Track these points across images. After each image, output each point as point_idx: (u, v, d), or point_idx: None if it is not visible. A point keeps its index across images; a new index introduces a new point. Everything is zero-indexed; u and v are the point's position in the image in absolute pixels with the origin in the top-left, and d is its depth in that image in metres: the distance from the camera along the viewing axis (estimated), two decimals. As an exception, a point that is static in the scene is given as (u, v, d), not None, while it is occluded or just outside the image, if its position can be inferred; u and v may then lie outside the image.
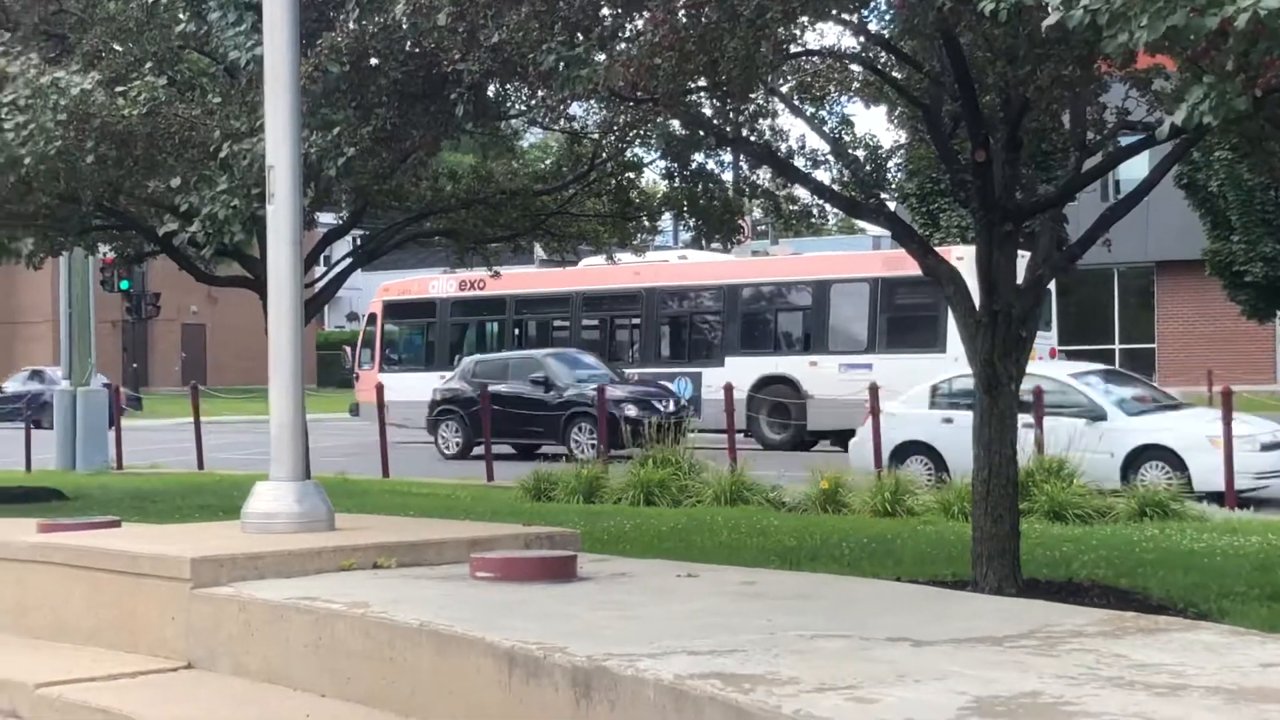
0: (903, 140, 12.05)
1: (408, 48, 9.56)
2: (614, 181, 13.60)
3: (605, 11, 8.90)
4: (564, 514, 15.62)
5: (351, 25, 9.75)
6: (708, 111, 10.45)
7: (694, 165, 12.77)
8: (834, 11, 8.79)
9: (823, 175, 11.62)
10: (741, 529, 14.04)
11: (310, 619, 6.17)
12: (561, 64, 8.79)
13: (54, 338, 40.85)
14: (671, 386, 28.65)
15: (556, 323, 32.58)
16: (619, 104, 9.66)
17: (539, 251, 17.38)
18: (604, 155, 13.07)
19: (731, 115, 9.83)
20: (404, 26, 9.19)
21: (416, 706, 5.65)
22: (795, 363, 29.14)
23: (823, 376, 28.26)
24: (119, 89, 10.80)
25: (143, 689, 6.37)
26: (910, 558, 12.03)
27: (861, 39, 9.74)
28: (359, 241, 15.21)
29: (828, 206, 12.54)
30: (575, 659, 4.97)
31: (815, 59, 11.01)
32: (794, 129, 12.18)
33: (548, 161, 13.44)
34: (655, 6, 8.05)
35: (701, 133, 10.48)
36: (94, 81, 10.67)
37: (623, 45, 8.76)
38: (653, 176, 14.11)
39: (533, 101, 10.69)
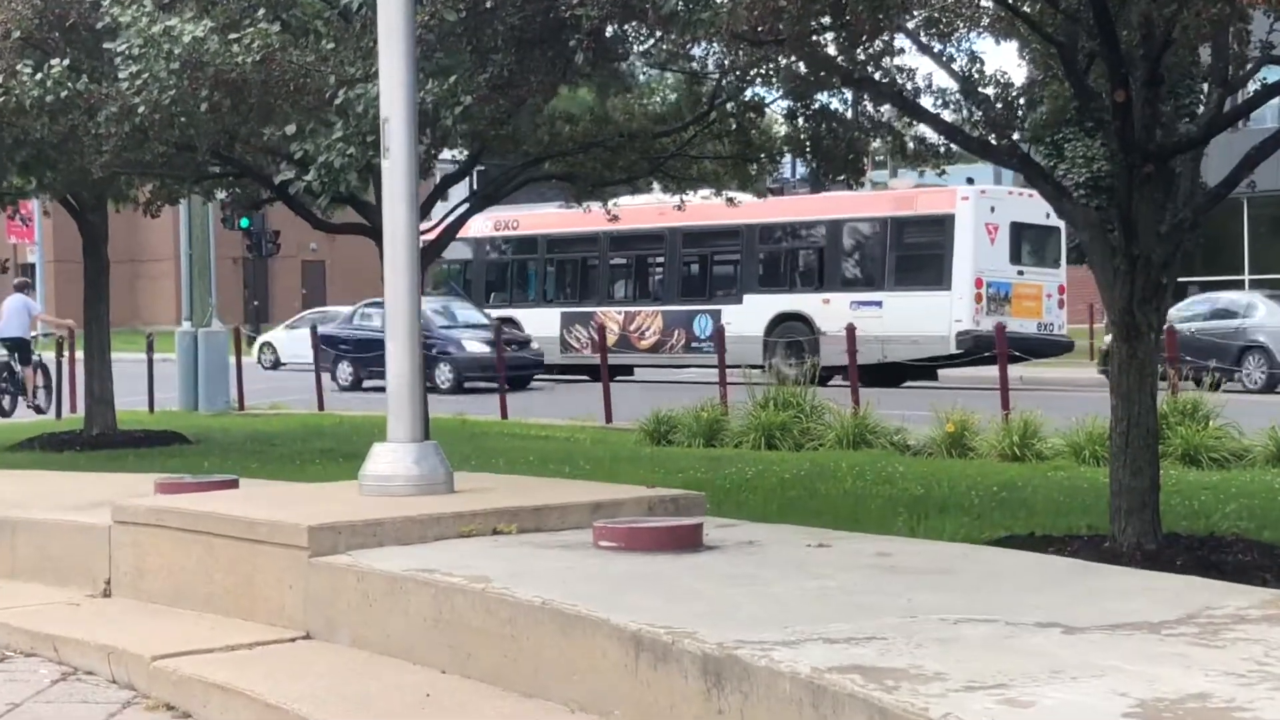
0: (1037, 77, 11.59)
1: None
2: (734, 122, 13.25)
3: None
4: (685, 460, 15.40)
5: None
6: (832, 50, 10.08)
7: (816, 105, 12.39)
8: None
9: (950, 115, 11.17)
10: (866, 475, 13.74)
11: (430, 593, 5.99)
12: (683, 6, 8.51)
13: (176, 277, 41.28)
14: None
15: (590, 261, 33.55)
16: (741, 45, 9.31)
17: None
18: (724, 96, 12.73)
19: (858, 55, 9.46)
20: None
21: (539, 687, 5.44)
22: (809, 300, 29.79)
23: (835, 314, 28.46)
24: (232, 36, 10.62)
25: (260, 662, 6.22)
26: (1043, 508, 11.67)
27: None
28: (475, 185, 15.00)
29: (954, 146, 12.13)
30: (705, 645, 4.73)
31: (944, -7, 10.61)
32: (921, 66, 11.93)
33: (670, 96, 13.10)
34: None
35: (825, 73, 10.13)
36: (206, 29, 10.49)
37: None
38: (774, 116, 13.72)
39: (651, 43, 10.38)
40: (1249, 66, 10.18)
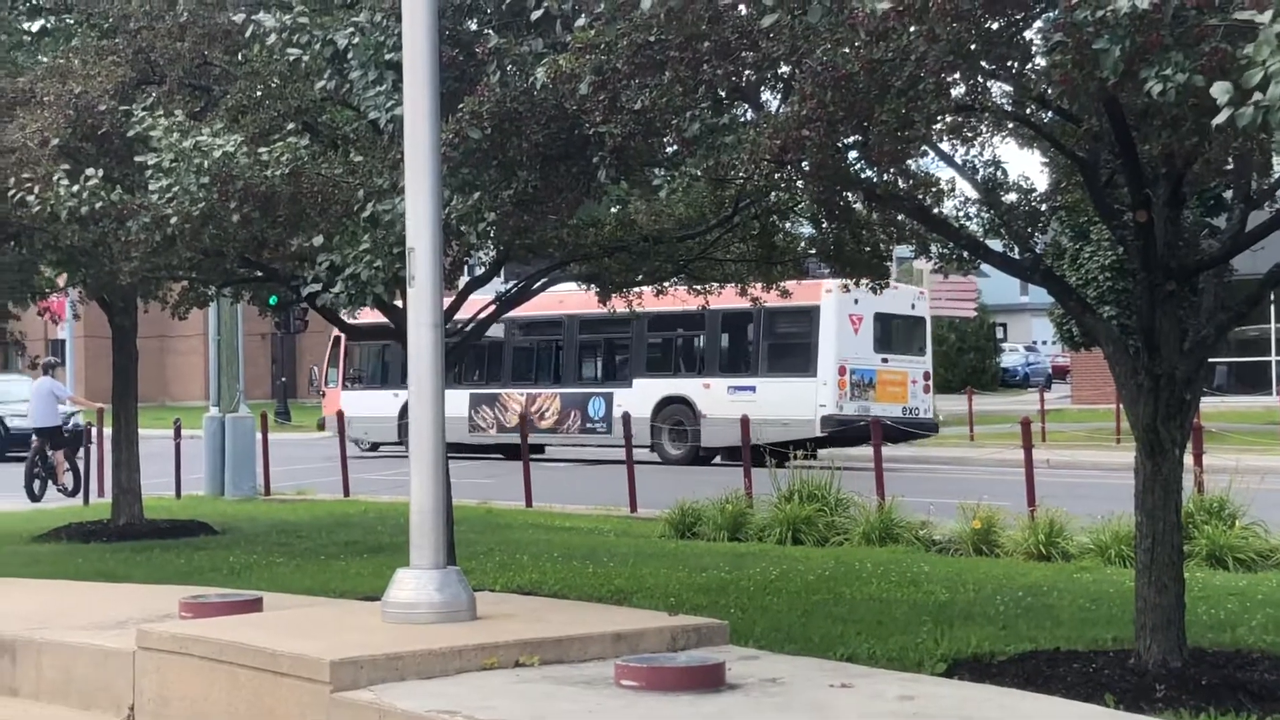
0: (1059, 184, 11.64)
1: (549, 111, 9.41)
2: (758, 225, 13.32)
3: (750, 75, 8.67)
4: (709, 556, 15.38)
5: (494, 82, 9.60)
6: (855, 166, 10.15)
7: (840, 210, 12.44)
8: (989, 67, 8.47)
9: (975, 226, 11.22)
10: (891, 577, 13.71)
11: (451, 737, 6.01)
12: (707, 131, 8.58)
13: (204, 352, 41.44)
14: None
15: (491, 346, 34.83)
16: (764, 161, 9.39)
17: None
18: (747, 200, 12.80)
19: (882, 177, 9.53)
20: (545, 89, 9.03)
21: (560, 841, 5.45)
22: (692, 384, 32.11)
23: (715, 398, 31.17)
24: (261, 149, 10.74)
25: (282, 803, 6.24)
26: (1069, 616, 11.62)
27: (1015, 96, 9.38)
28: (499, 290, 15.10)
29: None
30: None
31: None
32: (943, 173, 12.14)
33: (684, 196, 13.20)
34: (802, 79, 7.78)
35: (848, 191, 10.20)
36: (236, 144, 10.62)
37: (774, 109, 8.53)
38: (798, 217, 13.79)
39: (675, 160, 10.46)
40: (1274, 178, 10.22)
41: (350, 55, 9.89)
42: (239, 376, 25.63)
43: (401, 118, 9.25)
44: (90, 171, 10.87)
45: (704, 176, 10.71)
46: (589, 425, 33.19)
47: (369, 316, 16.94)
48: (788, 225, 13.84)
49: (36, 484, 25.72)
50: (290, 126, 11.12)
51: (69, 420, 28.04)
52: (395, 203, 10.07)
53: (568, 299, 22.77)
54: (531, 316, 30.52)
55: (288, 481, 26.74)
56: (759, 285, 14.81)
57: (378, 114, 10.08)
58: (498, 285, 14.45)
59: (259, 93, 12.03)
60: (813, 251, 13.65)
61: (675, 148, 10.11)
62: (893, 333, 32.22)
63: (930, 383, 33.33)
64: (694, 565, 14.49)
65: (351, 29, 10.01)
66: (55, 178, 10.78)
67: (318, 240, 10.70)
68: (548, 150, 9.77)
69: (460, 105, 9.49)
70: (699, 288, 14.92)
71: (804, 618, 11.53)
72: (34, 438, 26.03)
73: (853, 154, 9.85)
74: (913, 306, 32.36)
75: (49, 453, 25.78)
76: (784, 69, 8.80)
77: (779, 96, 9.69)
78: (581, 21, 8.54)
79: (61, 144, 11.33)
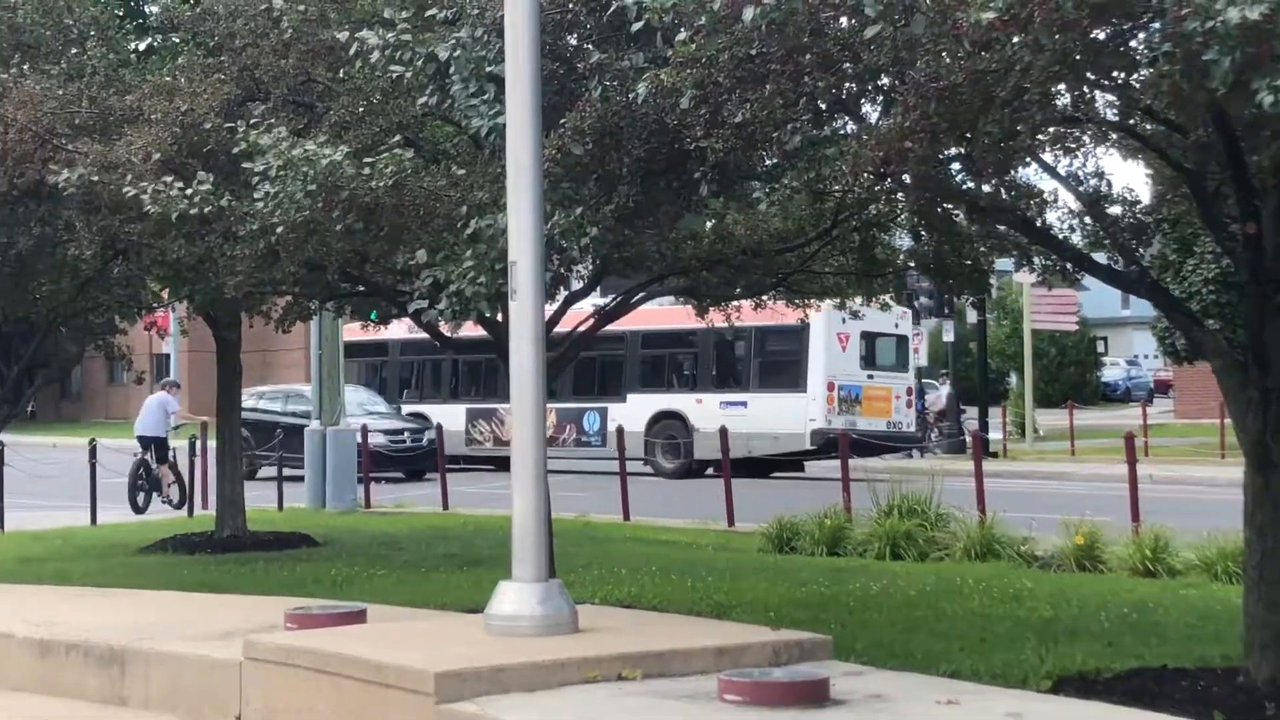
0: (1165, 196, 11.50)
1: (650, 125, 9.43)
2: (858, 238, 13.25)
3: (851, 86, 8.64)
4: (808, 571, 15.30)
5: (595, 97, 9.64)
6: (958, 178, 10.08)
7: (940, 221, 12.35)
8: (1094, 78, 8.39)
9: (1078, 239, 11.10)
10: (993, 592, 13.57)
11: (555, 750, 6.02)
12: (808, 143, 8.56)
13: (305, 365, 41.97)
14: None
15: (490, 362, 35.36)
16: (865, 173, 9.35)
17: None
18: (847, 212, 12.74)
19: (986, 188, 9.45)
20: (645, 103, 9.05)
21: None
22: (684, 400, 33.41)
23: (707, 412, 32.14)
24: (366, 160, 10.84)
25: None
26: (1175, 634, 11.45)
27: (1121, 107, 9.27)
28: (597, 304, 15.09)
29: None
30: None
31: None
32: (1046, 184, 12.07)
33: (784, 211, 13.17)
34: (905, 90, 7.74)
35: (949, 202, 10.13)
36: (342, 154, 10.72)
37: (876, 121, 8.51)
38: (899, 230, 13.69)
39: (776, 173, 10.43)
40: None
41: (452, 68, 9.95)
42: (340, 390, 25.85)
43: (503, 127, 9.29)
44: (202, 175, 11.01)
45: (804, 189, 10.68)
46: (584, 439, 34.17)
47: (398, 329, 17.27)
48: (887, 238, 13.73)
49: (140, 496, 26.06)
50: (394, 140, 11.20)
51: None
52: (497, 218, 10.12)
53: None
54: None
55: (387, 495, 26.93)
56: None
57: (480, 121, 10.13)
58: (595, 299, 14.46)
59: (361, 109, 12.14)
60: (912, 264, 13.55)
61: (775, 160, 10.12)
62: (878, 351, 33.76)
63: (913, 398, 35.16)
64: (793, 580, 14.42)
65: (453, 42, 10.08)
66: (169, 179, 10.92)
67: (421, 256, 10.76)
68: (648, 164, 9.79)
69: (562, 120, 9.54)
70: (799, 301, 14.87)
71: (906, 633, 11.44)
72: (137, 451, 26.40)
73: (955, 165, 9.81)
74: (896, 326, 33.52)
75: (154, 466, 26.13)
76: (885, 80, 8.77)
77: (880, 108, 9.66)
78: (682, 35, 8.55)
79: (165, 159, 11.47)
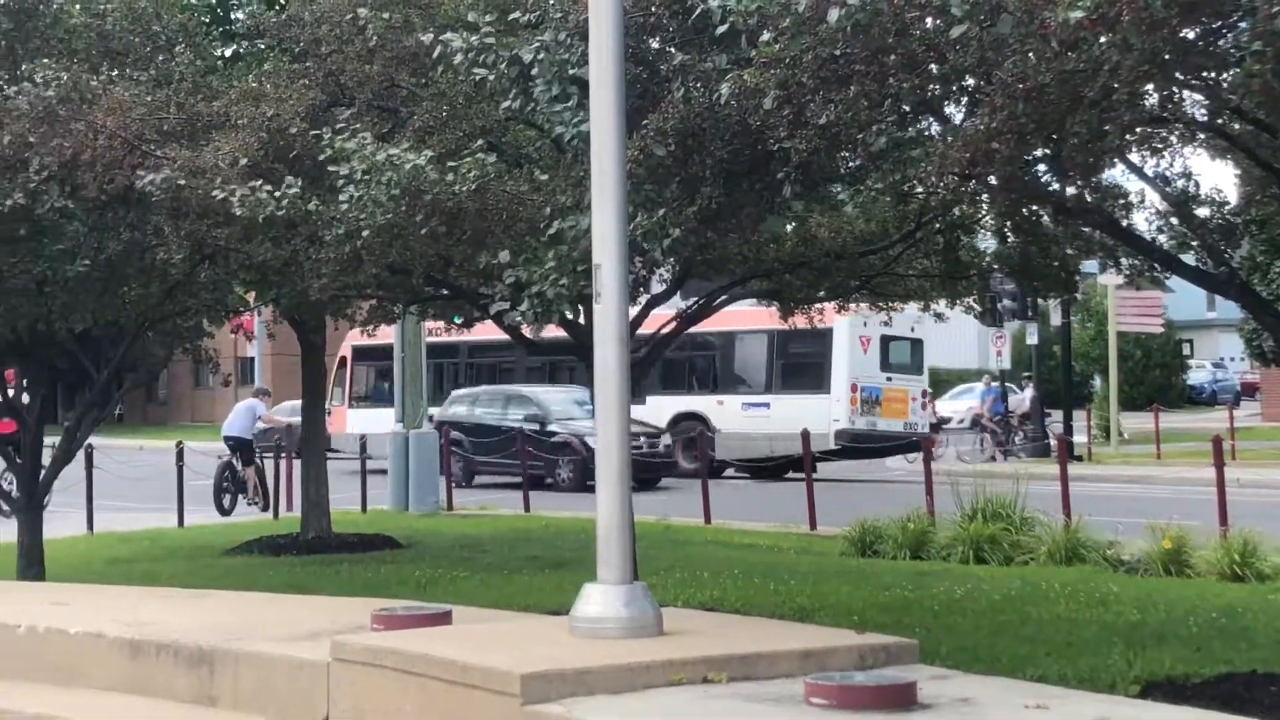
0: (1253, 197, 11.37)
1: (733, 126, 9.42)
2: (942, 240, 13.19)
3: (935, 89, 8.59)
4: (891, 574, 15.25)
5: (677, 98, 9.64)
6: (1044, 179, 10.01)
7: (1026, 223, 12.27)
8: (1183, 77, 8.31)
9: (1165, 240, 11.00)
10: (1079, 597, 13.46)
11: (641, 752, 6.01)
12: (893, 145, 8.52)
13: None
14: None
15: (505, 365, 37.49)
16: (951, 174, 9.29)
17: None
18: (931, 214, 12.68)
19: (1072, 190, 9.39)
20: (729, 104, 9.04)
21: None
22: (706, 401, 34.43)
23: (728, 413, 33.65)
24: (450, 164, 10.90)
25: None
26: (1265, 639, 11.32)
27: (1210, 106, 9.17)
28: (679, 307, 15.09)
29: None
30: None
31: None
32: (1131, 184, 11.90)
33: (867, 213, 13.11)
34: (992, 91, 7.69)
35: (1036, 204, 10.07)
36: (426, 158, 10.78)
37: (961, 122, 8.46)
38: (984, 232, 13.62)
39: (859, 175, 10.39)
40: None
41: (535, 72, 9.98)
42: (423, 393, 26.00)
43: (586, 133, 9.31)
44: (289, 179, 11.11)
45: (888, 191, 10.65)
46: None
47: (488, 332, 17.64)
48: (971, 240, 13.66)
49: (226, 498, 26.32)
50: (477, 144, 11.25)
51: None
52: (579, 219, 10.15)
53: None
54: (545, 339, 31.15)
55: (471, 498, 27.05)
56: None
57: (563, 129, 10.18)
58: (677, 302, 14.42)
59: (444, 113, 12.21)
60: (998, 267, 13.47)
61: (859, 162, 10.08)
62: (896, 354, 34.76)
63: (927, 399, 36.35)
64: (876, 583, 14.38)
65: (537, 46, 10.12)
66: (258, 182, 11.02)
67: (503, 257, 10.81)
68: (731, 166, 9.78)
69: (645, 122, 9.55)
70: (882, 304, 14.82)
71: (991, 637, 11.38)
72: (223, 454, 26.67)
73: (1040, 166, 9.74)
74: (912, 329, 34.16)
75: (239, 468, 26.38)
76: (970, 81, 8.72)
77: (964, 110, 9.61)
78: (766, 37, 8.53)
79: (252, 164, 11.58)
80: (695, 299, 13.92)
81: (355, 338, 37.54)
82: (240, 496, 26.39)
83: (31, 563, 15.11)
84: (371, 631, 8.27)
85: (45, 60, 12.56)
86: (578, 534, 18.89)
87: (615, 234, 7.87)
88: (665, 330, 13.59)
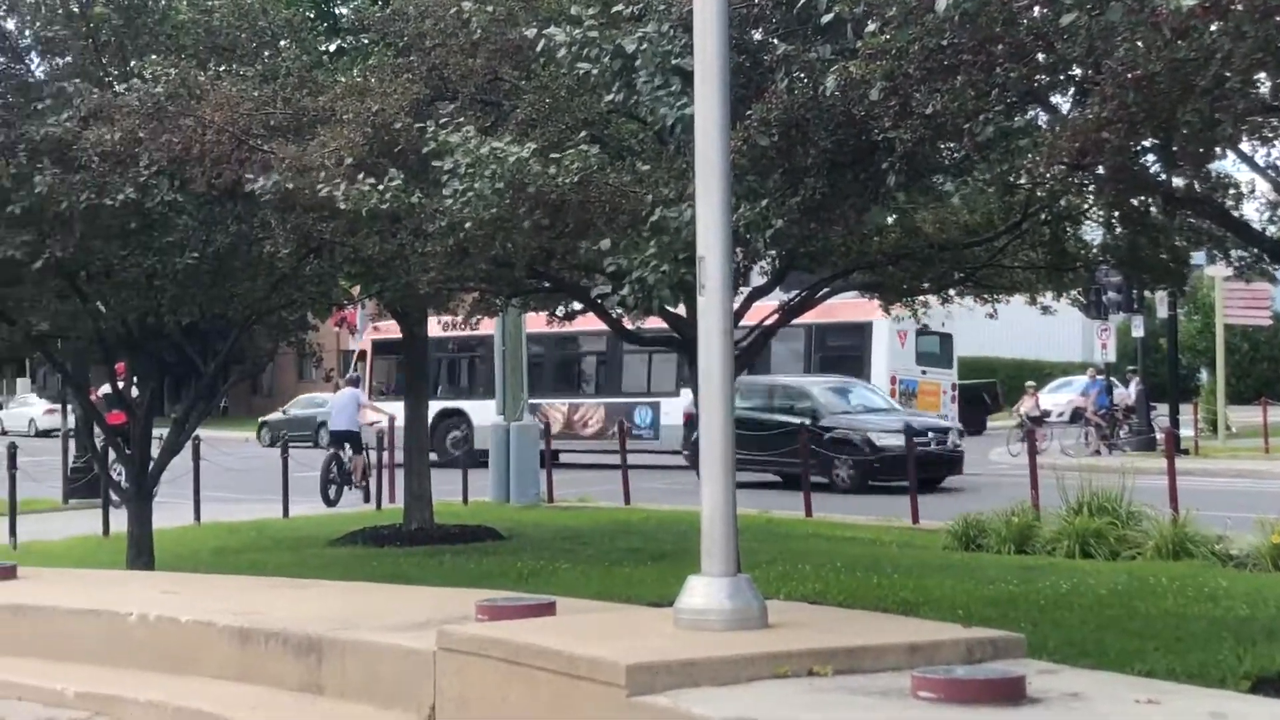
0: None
1: (837, 117, 9.38)
2: (1048, 231, 13.05)
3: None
4: (995, 569, 15.14)
5: (781, 89, 9.61)
6: (1153, 169, 9.89)
7: (1135, 213, 12.13)
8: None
9: (1276, 230, 10.82)
10: (1187, 592, 13.30)
11: (747, 744, 6.00)
12: (1000, 134, 8.45)
13: (489, 360, 42.54)
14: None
15: (534, 359, 36.63)
16: (1059, 164, 9.20)
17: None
18: (1036, 206, 12.55)
19: (1181, 180, 9.26)
20: (833, 95, 9.00)
21: None
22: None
23: None
24: (553, 157, 10.92)
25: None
26: (1380, 635, 11.13)
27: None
28: (781, 299, 15.04)
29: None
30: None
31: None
32: (1241, 174, 11.67)
33: (971, 204, 13.00)
34: (1102, 80, 7.60)
35: (1144, 193, 9.94)
36: (530, 151, 10.81)
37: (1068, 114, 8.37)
38: (1090, 223, 13.45)
39: (964, 166, 10.29)
40: None
41: (638, 63, 9.98)
42: (523, 385, 26.09)
43: (689, 119, 9.30)
44: (393, 172, 11.17)
45: (994, 182, 10.55)
46: (635, 432, 34.81)
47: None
48: (1077, 231, 13.51)
49: (332, 489, 26.57)
50: (580, 136, 11.27)
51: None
52: (681, 210, 10.15)
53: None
54: (578, 331, 31.14)
55: (569, 490, 27.12)
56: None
57: (666, 111, 10.15)
58: (779, 295, 14.39)
59: (547, 106, 12.24)
60: (1105, 258, 13.31)
61: (963, 153, 10.00)
62: (928, 348, 35.56)
63: (955, 393, 37.33)
64: (980, 577, 14.27)
65: (639, 37, 10.12)
66: (361, 176, 11.10)
67: (604, 245, 10.83)
68: (835, 156, 9.74)
69: (748, 112, 9.53)
70: (987, 296, 14.70)
71: (1098, 632, 11.27)
72: (329, 446, 26.94)
73: (1149, 156, 9.61)
74: (942, 324, 34.30)
75: (346, 460, 26.63)
76: (1078, 71, 8.63)
77: (1071, 99, 9.51)
78: (872, 27, 8.49)
79: (356, 161, 11.67)
80: (797, 291, 13.87)
81: (374, 332, 37.95)
82: (345, 488, 26.64)
83: (141, 552, 15.33)
84: (476, 622, 8.31)
85: (154, 57, 12.72)
86: (678, 526, 18.91)
87: (719, 225, 7.85)
88: (767, 322, 13.56)
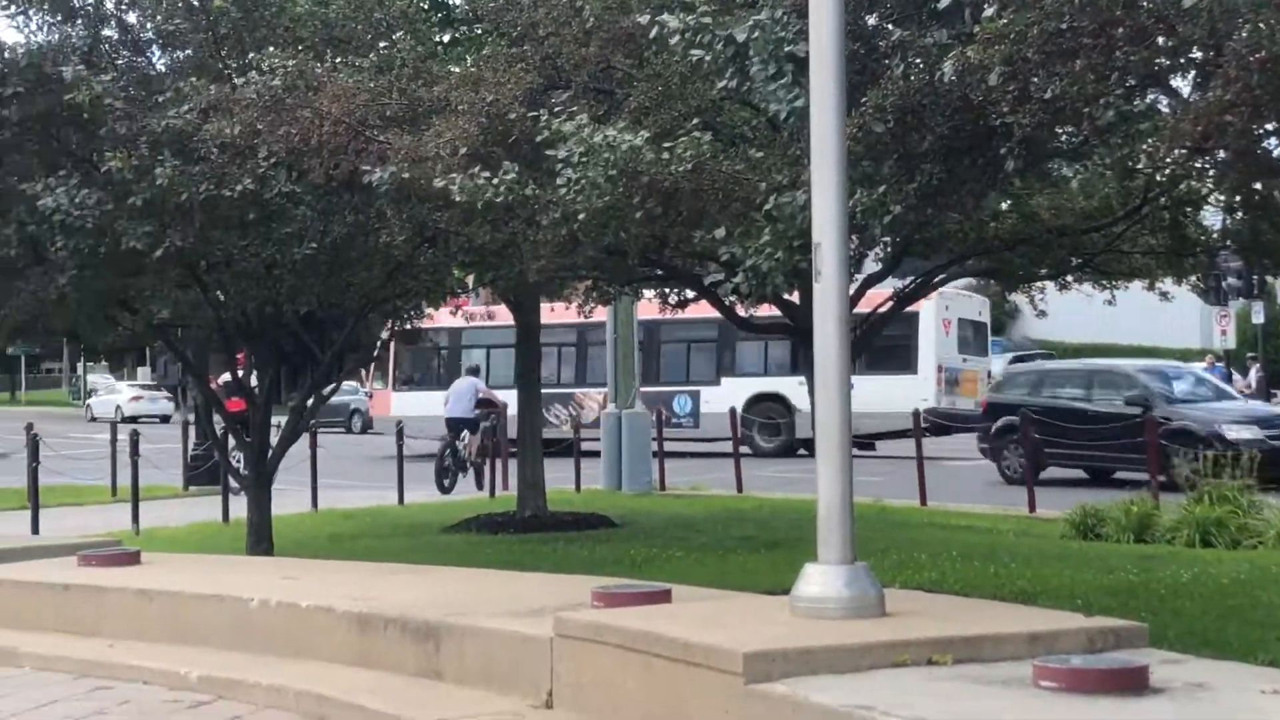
0: None
1: (954, 102, 9.30)
2: (1168, 216, 12.86)
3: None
4: (1115, 558, 14.95)
5: (897, 75, 9.55)
6: (1277, 152, 9.72)
7: (1258, 198, 11.93)
8: None
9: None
10: (1316, 581, 13.08)
11: (866, 732, 5.97)
12: (1120, 119, 8.35)
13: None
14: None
15: (564, 350, 37.90)
16: (1180, 147, 9.07)
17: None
18: (1156, 190, 12.38)
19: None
20: (950, 81, 8.93)
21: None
22: (786, 382, 34.44)
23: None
24: (666, 144, 10.92)
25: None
26: None
27: None
28: (895, 286, 14.97)
29: None
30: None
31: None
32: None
33: (1088, 189, 12.84)
34: (1226, 62, 7.48)
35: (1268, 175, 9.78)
36: (643, 139, 10.81)
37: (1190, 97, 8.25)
38: (1211, 207, 13.25)
39: (1082, 151, 10.16)
40: None
41: (751, 50, 9.95)
42: (634, 373, 26.13)
43: (801, 110, 9.26)
44: (507, 165, 11.22)
45: (1114, 166, 10.42)
46: (675, 421, 35.37)
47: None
48: (1197, 216, 13.31)
49: (447, 479, 26.78)
50: (693, 124, 11.25)
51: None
52: (795, 196, 10.11)
53: (644, 306, 23.71)
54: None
55: (680, 477, 27.13)
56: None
57: (778, 107, 10.12)
58: (894, 282, 14.30)
59: (660, 93, 12.23)
60: (1227, 243, 13.11)
61: (1082, 137, 9.88)
62: (968, 335, 36.11)
63: (991, 380, 37.15)
64: (1099, 567, 14.10)
65: (752, 24, 10.08)
66: (475, 169, 11.15)
67: (719, 233, 10.81)
68: (952, 142, 9.66)
69: (863, 99, 9.47)
70: (1105, 282, 14.52)
71: (1220, 622, 11.11)
72: (446, 434, 27.17)
73: (1273, 139, 9.46)
74: (979, 313, 36.65)
75: (461, 447, 26.85)
76: (1199, 53, 8.50)
77: (1192, 82, 9.37)
78: (990, 11, 8.41)
79: (471, 151, 11.72)
80: (911, 278, 13.78)
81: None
82: (460, 475, 26.85)
83: (260, 539, 15.53)
84: (592, 608, 8.34)
85: (271, 49, 12.87)
86: (792, 514, 18.86)
87: (835, 212, 7.82)
88: (881, 309, 13.48)
